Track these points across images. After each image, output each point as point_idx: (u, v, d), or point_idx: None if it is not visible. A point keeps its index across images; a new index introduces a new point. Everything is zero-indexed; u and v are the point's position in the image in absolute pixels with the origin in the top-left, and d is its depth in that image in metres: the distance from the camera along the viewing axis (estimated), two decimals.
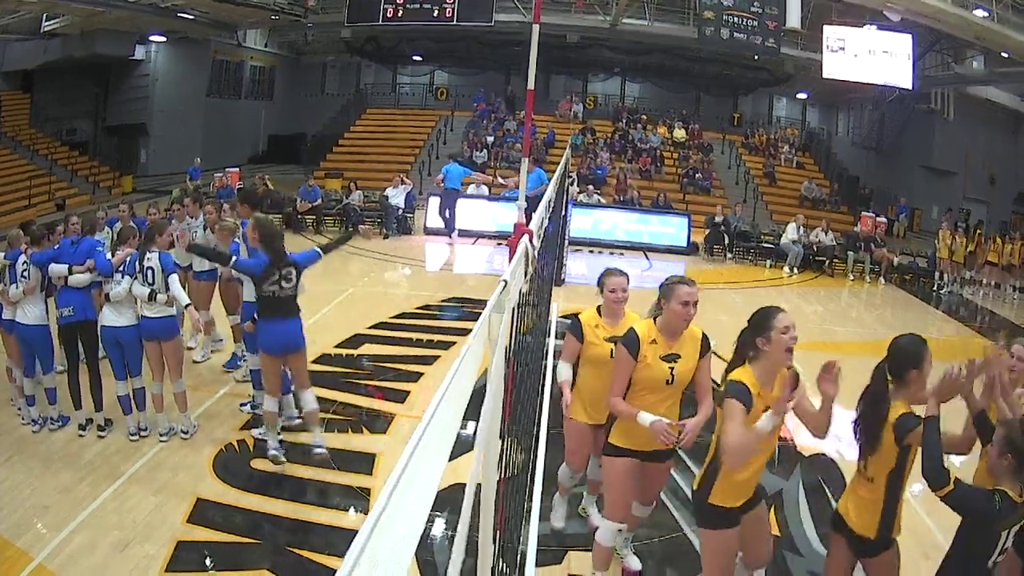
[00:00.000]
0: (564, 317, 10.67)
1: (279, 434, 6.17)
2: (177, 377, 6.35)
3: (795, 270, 16.21)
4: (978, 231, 17.40)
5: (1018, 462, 3.24)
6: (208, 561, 4.81)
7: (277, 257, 5.72)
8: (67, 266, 6.21)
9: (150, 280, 6.15)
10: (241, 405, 7.00)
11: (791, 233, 16.54)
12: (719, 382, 3.78)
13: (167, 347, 6.30)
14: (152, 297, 6.12)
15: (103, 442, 6.21)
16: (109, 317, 6.14)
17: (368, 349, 8.96)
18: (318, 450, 5.88)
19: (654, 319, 4.08)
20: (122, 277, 6.17)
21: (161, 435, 6.30)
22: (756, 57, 23.13)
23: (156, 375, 6.31)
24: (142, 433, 6.30)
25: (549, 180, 13.05)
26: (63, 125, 21.64)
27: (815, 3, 20.39)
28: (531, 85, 5.01)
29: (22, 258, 6.32)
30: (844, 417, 3.58)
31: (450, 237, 16.24)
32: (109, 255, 6.43)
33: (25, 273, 6.23)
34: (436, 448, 1.47)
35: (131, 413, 6.24)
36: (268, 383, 5.90)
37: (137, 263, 6.19)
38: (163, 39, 22.44)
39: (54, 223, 7.27)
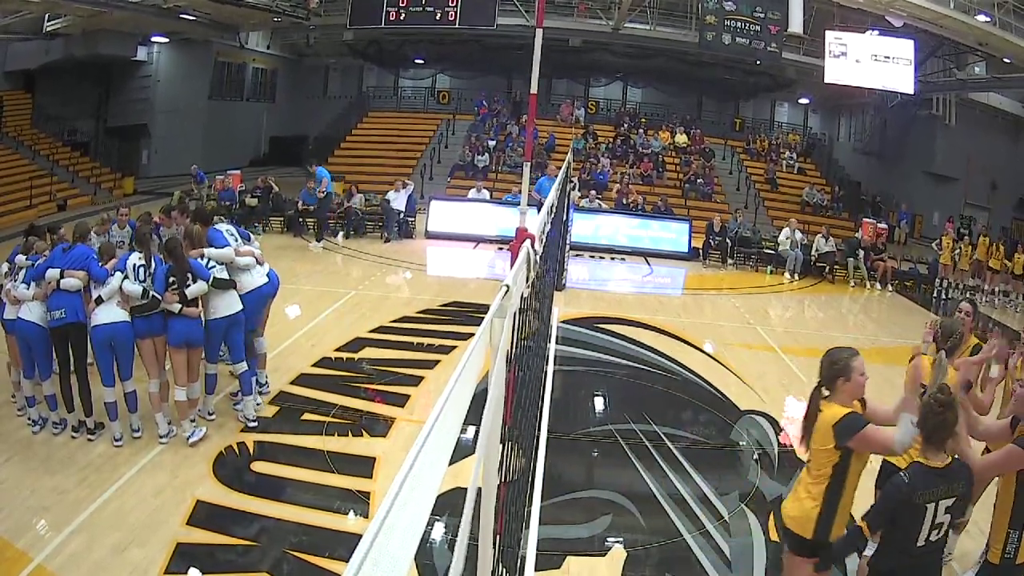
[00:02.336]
0: (564, 322, 10.68)
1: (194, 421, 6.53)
2: (157, 376, 6.40)
3: (796, 276, 16.20)
4: (983, 237, 17.34)
5: (924, 436, 3.38)
6: (207, 563, 4.81)
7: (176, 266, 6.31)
8: (59, 270, 6.23)
9: (141, 278, 6.21)
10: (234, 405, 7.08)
11: (784, 237, 16.54)
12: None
13: (159, 342, 6.33)
14: (145, 295, 6.15)
15: (103, 444, 6.21)
16: (102, 316, 6.14)
17: (369, 353, 8.96)
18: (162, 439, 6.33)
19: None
20: (112, 276, 6.21)
21: (160, 437, 6.32)
22: (758, 62, 23.14)
23: (152, 373, 6.33)
24: (134, 435, 6.31)
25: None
26: (65, 125, 21.65)
27: (817, 8, 20.40)
28: (534, 89, 5.00)
29: (39, 260, 6.40)
30: None
31: (320, 244, 15.62)
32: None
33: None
34: (438, 453, 1.47)
35: (116, 420, 6.24)
36: (178, 375, 6.34)
37: (127, 262, 6.25)
38: (165, 40, 22.48)
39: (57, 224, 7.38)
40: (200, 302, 6.45)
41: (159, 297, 6.20)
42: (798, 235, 16.64)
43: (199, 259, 6.55)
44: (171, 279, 6.25)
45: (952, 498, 3.35)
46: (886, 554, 3.48)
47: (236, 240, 6.98)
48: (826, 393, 3.61)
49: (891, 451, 3.46)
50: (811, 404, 3.63)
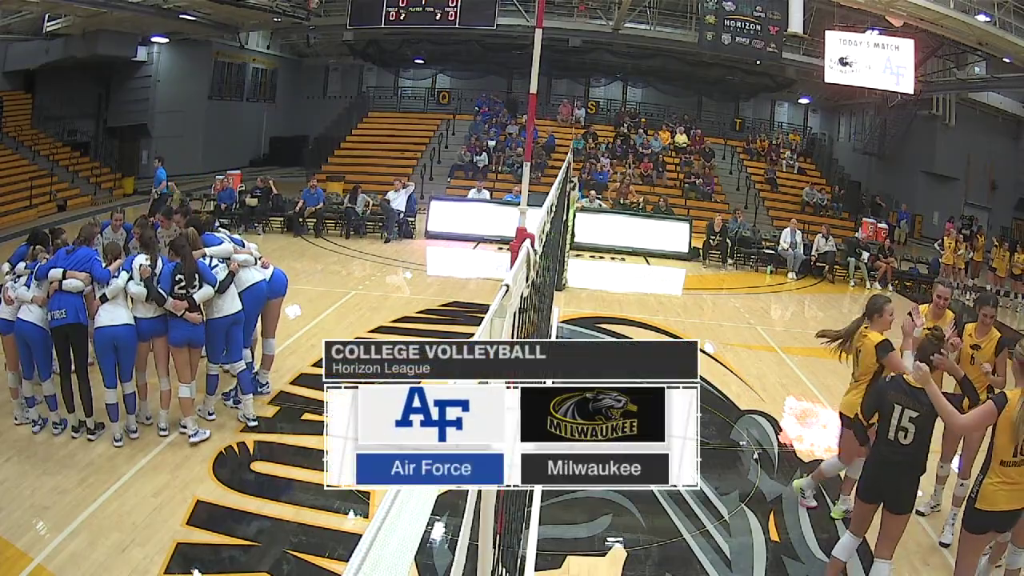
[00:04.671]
0: (564, 322, 10.68)
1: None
2: (165, 374, 6.43)
3: (796, 276, 16.18)
4: (980, 237, 17.33)
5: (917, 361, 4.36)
6: (207, 563, 4.81)
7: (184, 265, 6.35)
8: (62, 270, 6.23)
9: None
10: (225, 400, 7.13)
11: (785, 239, 16.52)
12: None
13: (158, 343, 6.35)
14: (149, 296, 6.15)
15: (103, 443, 6.21)
16: (105, 317, 6.14)
17: None
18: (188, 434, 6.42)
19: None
20: (117, 276, 6.21)
21: (131, 433, 6.37)
22: (758, 62, 23.12)
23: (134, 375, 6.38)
24: (131, 436, 6.32)
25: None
26: (65, 126, 21.63)
27: (817, 8, 20.39)
28: (533, 89, 5.00)
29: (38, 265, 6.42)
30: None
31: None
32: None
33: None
34: None
35: (117, 421, 6.25)
36: (181, 373, 6.38)
37: (133, 263, 6.25)
38: (165, 40, 22.46)
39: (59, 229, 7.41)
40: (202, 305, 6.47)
41: (164, 295, 6.20)
42: (798, 236, 16.62)
43: (202, 259, 6.56)
44: (178, 276, 6.23)
45: (916, 412, 4.24)
46: (876, 444, 4.49)
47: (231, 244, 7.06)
48: (867, 324, 5.35)
49: (902, 371, 4.63)
50: (853, 326, 5.49)
